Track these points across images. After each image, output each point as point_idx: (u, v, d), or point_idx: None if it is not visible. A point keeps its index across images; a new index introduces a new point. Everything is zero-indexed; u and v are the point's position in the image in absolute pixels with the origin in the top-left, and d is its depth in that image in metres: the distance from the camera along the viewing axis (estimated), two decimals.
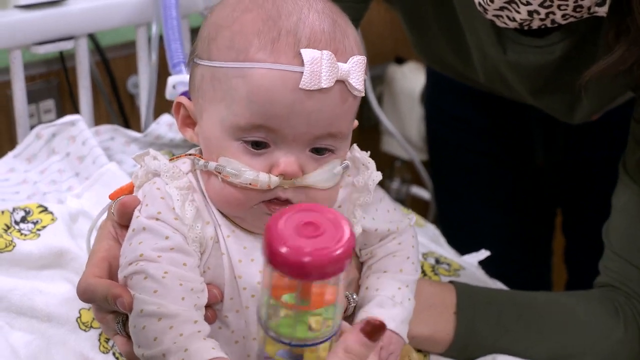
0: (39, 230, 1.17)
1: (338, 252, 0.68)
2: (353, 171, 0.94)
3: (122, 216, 0.93)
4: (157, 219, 0.88)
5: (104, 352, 1.08)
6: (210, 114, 0.89)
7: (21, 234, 1.15)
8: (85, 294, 0.91)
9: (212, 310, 0.90)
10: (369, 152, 0.98)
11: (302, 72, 0.84)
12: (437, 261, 1.32)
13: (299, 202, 0.88)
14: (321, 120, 0.86)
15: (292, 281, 0.69)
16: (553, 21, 1.07)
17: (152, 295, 0.84)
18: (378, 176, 0.97)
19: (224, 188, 0.88)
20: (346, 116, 0.89)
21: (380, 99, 2.31)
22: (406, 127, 2.27)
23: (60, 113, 1.69)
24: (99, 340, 1.08)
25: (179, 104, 0.93)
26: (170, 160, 0.93)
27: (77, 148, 1.38)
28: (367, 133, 2.32)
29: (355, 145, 0.96)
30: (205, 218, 0.90)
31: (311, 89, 0.84)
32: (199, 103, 0.91)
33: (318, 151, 0.89)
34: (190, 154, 0.93)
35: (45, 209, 1.21)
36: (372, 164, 0.97)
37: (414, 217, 1.00)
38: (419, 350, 1.15)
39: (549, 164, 1.57)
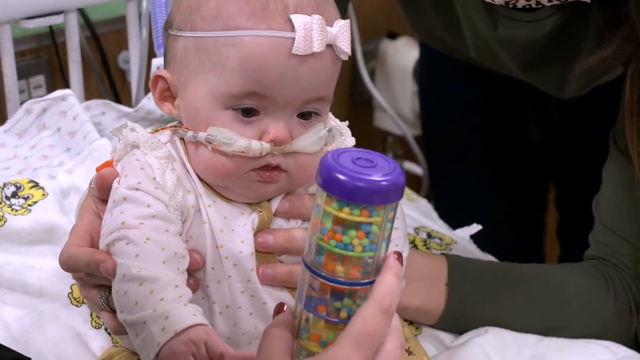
0: (30, 205, 1.17)
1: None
2: (329, 139, 0.94)
3: (101, 189, 0.92)
4: (138, 189, 0.88)
5: (95, 327, 1.08)
6: (196, 85, 0.89)
7: (12, 210, 1.15)
8: (67, 262, 0.90)
9: (195, 279, 0.90)
10: (346, 122, 0.98)
11: (294, 38, 0.85)
12: (429, 235, 1.32)
13: (288, 168, 0.89)
14: (313, 84, 0.87)
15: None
16: (538, 2, 1.07)
17: (133, 260, 0.84)
18: (352, 142, 0.97)
19: (214, 158, 0.88)
20: (334, 79, 0.90)
21: (372, 75, 2.31)
22: (399, 103, 2.27)
23: (51, 89, 1.68)
24: (91, 315, 1.08)
25: (157, 77, 0.93)
26: (152, 133, 0.93)
27: (68, 123, 1.38)
28: (360, 108, 2.32)
29: (330, 114, 0.96)
30: (186, 187, 0.90)
31: (304, 54, 0.85)
32: (183, 75, 0.90)
33: (304, 116, 0.90)
34: (174, 126, 0.93)
35: (36, 184, 1.20)
36: (346, 130, 0.97)
37: None
38: (410, 323, 1.16)
39: (541, 139, 1.57)
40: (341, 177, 0.69)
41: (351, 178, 0.69)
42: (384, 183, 0.69)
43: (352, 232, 0.71)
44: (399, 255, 0.73)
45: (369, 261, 0.72)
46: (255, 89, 0.86)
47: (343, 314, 0.73)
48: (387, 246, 0.73)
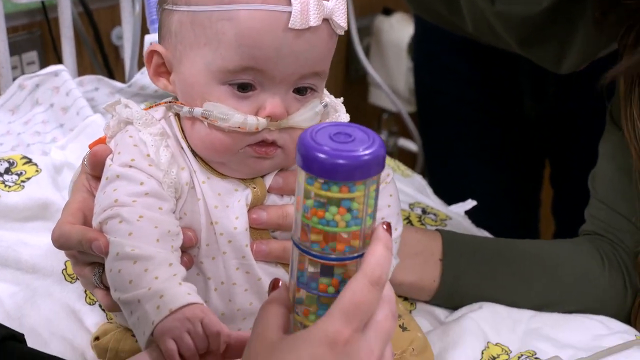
0: (23, 181, 1.16)
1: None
2: (324, 115, 0.94)
3: (94, 166, 0.92)
4: (131, 166, 0.88)
5: (90, 304, 1.08)
6: (192, 59, 0.88)
7: (5, 186, 1.15)
8: (59, 240, 0.90)
9: (189, 255, 0.90)
10: (340, 99, 0.97)
11: (291, 12, 0.84)
12: (424, 211, 1.32)
13: (284, 144, 0.89)
14: (309, 59, 0.87)
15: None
16: None
17: (126, 238, 0.84)
18: (346, 118, 0.96)
19: (210, 133, 0.88)
20: (330, 54, 0.90)
21: (367, 51, 2.30)
22: (394, 79, 2.26)
23: (44, 65, 1.67)
24: (85, 291, 1.08)
25: (152, 52, 0.92)
26: (146, 109, 0.92)
27: (61, 99, 1.37)
28: (355, 85, 2.31)
29: (325, 90, 0.95)
30: (180, 164, 0.90)
31: (300, 28, 0.84)
32: (178, 50, 0.90)
33: (300, 91, 0.89)
34: (169, 102, 0.92)
35: (29, 161, 1.20)
36: (341, 107, 0.97)
37: (391, 171, 0.99)
38: (405, 299, 1.16)
39: (537, 114, 1.56)
40: (319, 155, 0.68)
41: (329, 156, 0.68)
42: (363, 158, 0.68)
43: (334, 209, 0.70)
44: (388, 225, 0.73)
45: (356, 235, 0.72)
46: (251, 64, 0.86)
47: (334, 289, 0.73)
48: (374, 218, 0.73)
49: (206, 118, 0.87)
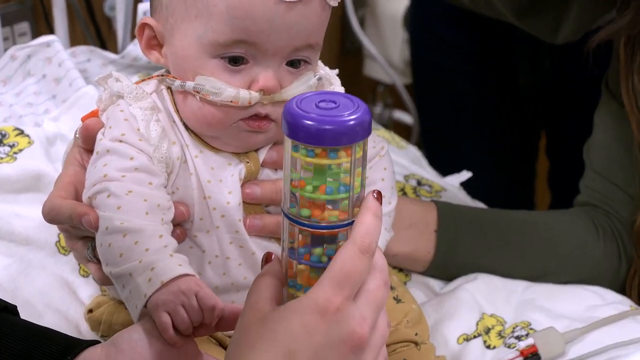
0: (15, 153, 1.16)
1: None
2: (319, 88, 0.93)
3: (85, 140, 0.91)
4: (121, 141, 0.87)
5: (83, 276, 1.08)
6: (183, 32, 0.87)
7: None
8: (50, 214, 0.89)
9: (182, 228, 0.90)
10: (336, 70, 0.96)
11: None
12: (419, 183, 1.31)
13: (277, 117, 0.88)
14: (302, 31, 0.86)
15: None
16: None
17: (116, 212, 0.83)
18: (341, 91, 0.95)
19: (203, 107, 0.87)
20: (323, 26, 0.89)
21: (362, 22, 2.28)
22: (389, 51, 2.25)
23: (36, 36, 1.65)
24: (79, 264, 1.07)
25: (144, 25, 0.91)
26: (138, 82, 0.92)
27: (53, 70, 1.36)
28: (349, 57, 2.30)
29: (320, 62, 0.95)
30: (171, 138, 0.89)
31: (292, 0, 0.83)
32: (169, 22, 0.88)
33: (293, 64, 0.88)
34: (161, 75, 0.91)
35: (21, 132, 1.19)
36: (336, 79, 0.96)
37: (386, 144, 0.98)
38: (400, 270, 1.16)
39: (532, 86, 1.56)
40: (304, 122, 0.68)
41: (315, 122, 0.68)
42: (349, 123, 0.68)
43: (322, 176, 0.70)
44: (379, 194, 0.73)
45: (344, 203, 0.72)
46: (243, 37, 0.84)
47: (325, 259, 0.72)
48: (363, 186, 0.73)
49: (198, 92, 0.86)
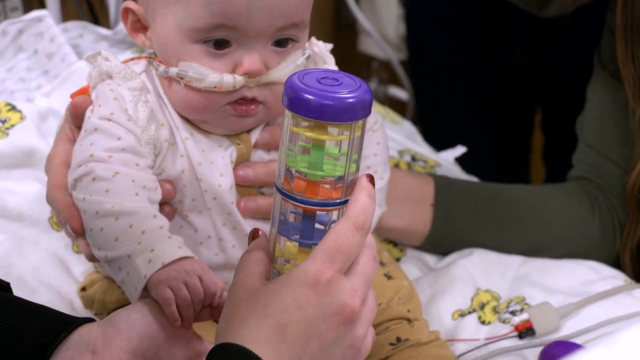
0: (7, 129, 1.15)
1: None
2: (309, 65, 0.92)
3: (74, 117, 0.90)
4: (110, 120, 0.86)
5: (77, 252, 1.08)
6: (164, 17, 0.86)
7: None
8: (49, 204, 0.90)
9: (170, 207, 0.89)
10: (330, 45, 0.95)
11: None
12: (413, 158, 1.31)
13: (265, 99, 0.87)
14: (285, 11, 0.84)
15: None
16: None
17: (104, 195, 0.82)
18: (335, 69, 0.94)
19: (187, 93, 0.86)
20: (308, 3, 0.87)
21: None
22: (384, 26, 2.23)
23: (27, 11, 1.64)
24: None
25: (127, 9, 0.90)
26: (126, 61, 0.90)
27: (45, 45, 1.35)
28: (344, 33, 2.29)
29: (313, 39, 0.93)
30: (160, 120, 0.88)
31: None
32: (150, 7, 0.87)
33: (280, 43, 0.87)
34: (150, 57, 0.90)
35: (13, 107, 1.18)
36: (330, 58, 0.94)
37: (380, 118, 0.98)
38: (395, 245, 1.16)
39: (528, 61, 1.55)
40: (306, 95, 0.68)
41: (317, 96, 0.68)
42: (349, 100, 0.68)
43: (319, 152, 0.70)
44: (371, 177, 0.72)
45: (339, 182, 0.71)
46: (222, 21, 0.83)
47: (315, 237, 0.72)
48: (359, 165, 0.72)
49: (182, 78, 0.85)
